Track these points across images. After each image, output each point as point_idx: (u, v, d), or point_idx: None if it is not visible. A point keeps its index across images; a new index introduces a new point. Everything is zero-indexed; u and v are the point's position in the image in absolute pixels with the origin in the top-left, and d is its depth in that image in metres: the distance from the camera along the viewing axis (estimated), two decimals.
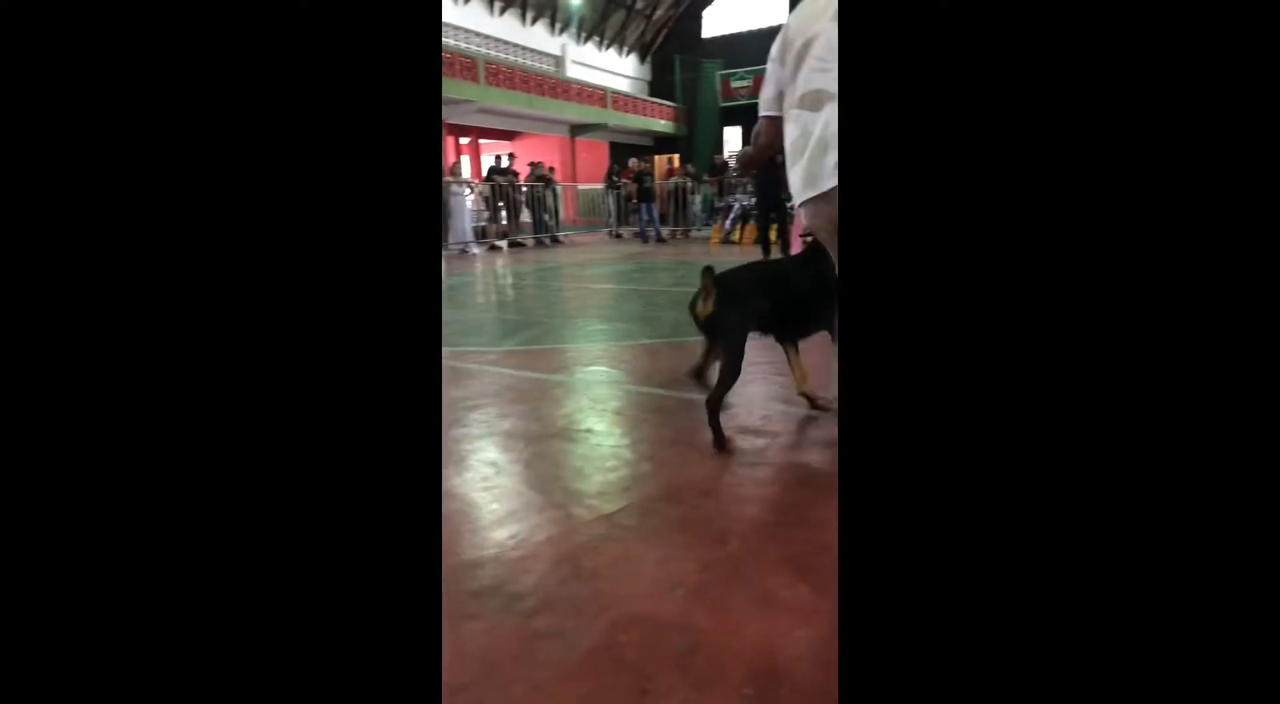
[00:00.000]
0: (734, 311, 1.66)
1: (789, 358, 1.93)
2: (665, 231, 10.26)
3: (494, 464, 1.65)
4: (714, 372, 1.75)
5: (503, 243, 9.39)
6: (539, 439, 1.80)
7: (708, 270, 1.67)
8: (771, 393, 2.17)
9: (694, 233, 10.73)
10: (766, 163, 6.15)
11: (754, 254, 6.80)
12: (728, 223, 8.95)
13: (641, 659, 0.91)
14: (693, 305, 1.72)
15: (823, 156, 1.43)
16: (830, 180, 1.42)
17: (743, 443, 1.73)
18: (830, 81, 1.42)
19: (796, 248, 6.35)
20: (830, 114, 1.42)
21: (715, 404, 1.67)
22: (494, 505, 1.42)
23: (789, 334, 1.86)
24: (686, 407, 2.04)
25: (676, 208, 10.98)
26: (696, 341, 2.92)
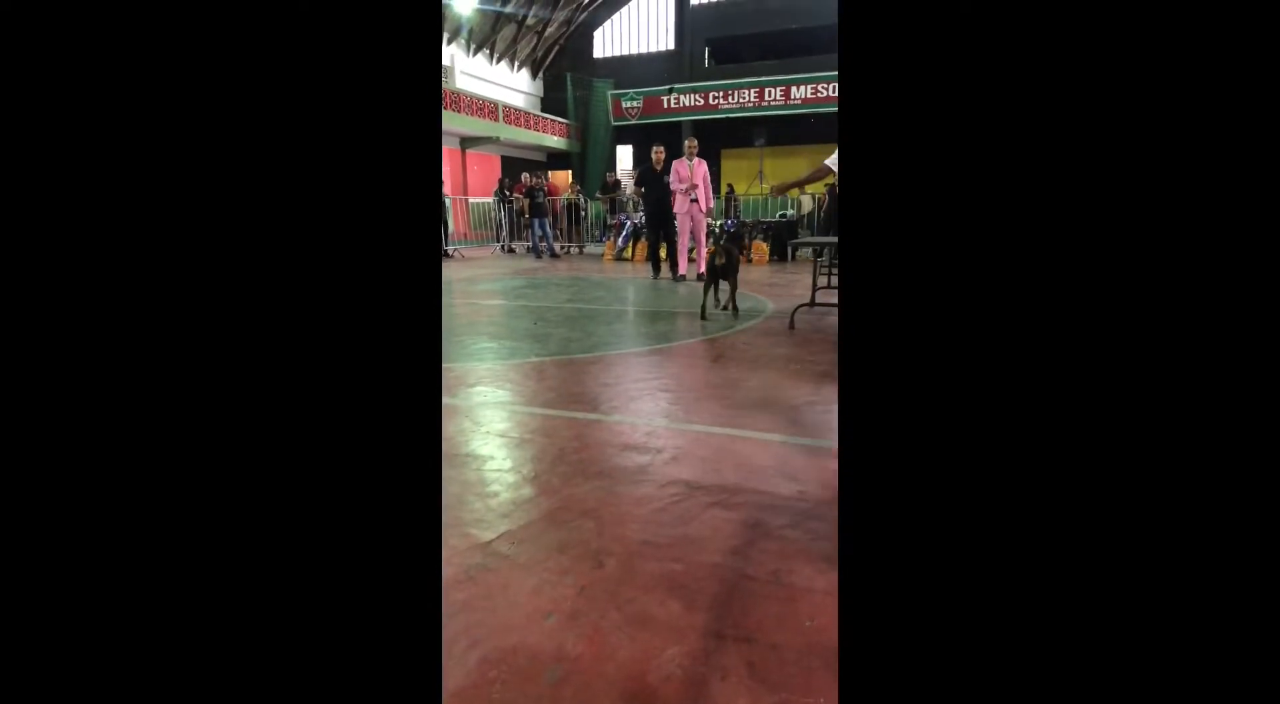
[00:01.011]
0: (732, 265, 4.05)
1: (729, 288, 4.16)
2: (559, 247, 10.24)
3: None
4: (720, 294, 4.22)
5: None
6: None
7: (721, 246, 4.03)
8: (657, 409, 2.21)
9: (588, 249, 10.79)
10: (657, 186, 6.34)
11: (645, 271, 6.93)
12: (620, 239, 9.07)
13: (510, 696, 0.88)
14: (714, 262, 3.99)
15: None
16: None
17: (625, 460, 1.74)
18: None
19: (684, 265, 6.57)
20: None
21: (732, 300, 4.13)
22: None
23: (730, 274, 4.09)
24: (571, 426, 2.03)
25: (570, 223, 10.99)
26: (585, 359, 2.93)
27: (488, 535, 1.34)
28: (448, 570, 1.20)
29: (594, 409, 2.22)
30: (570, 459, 1.76)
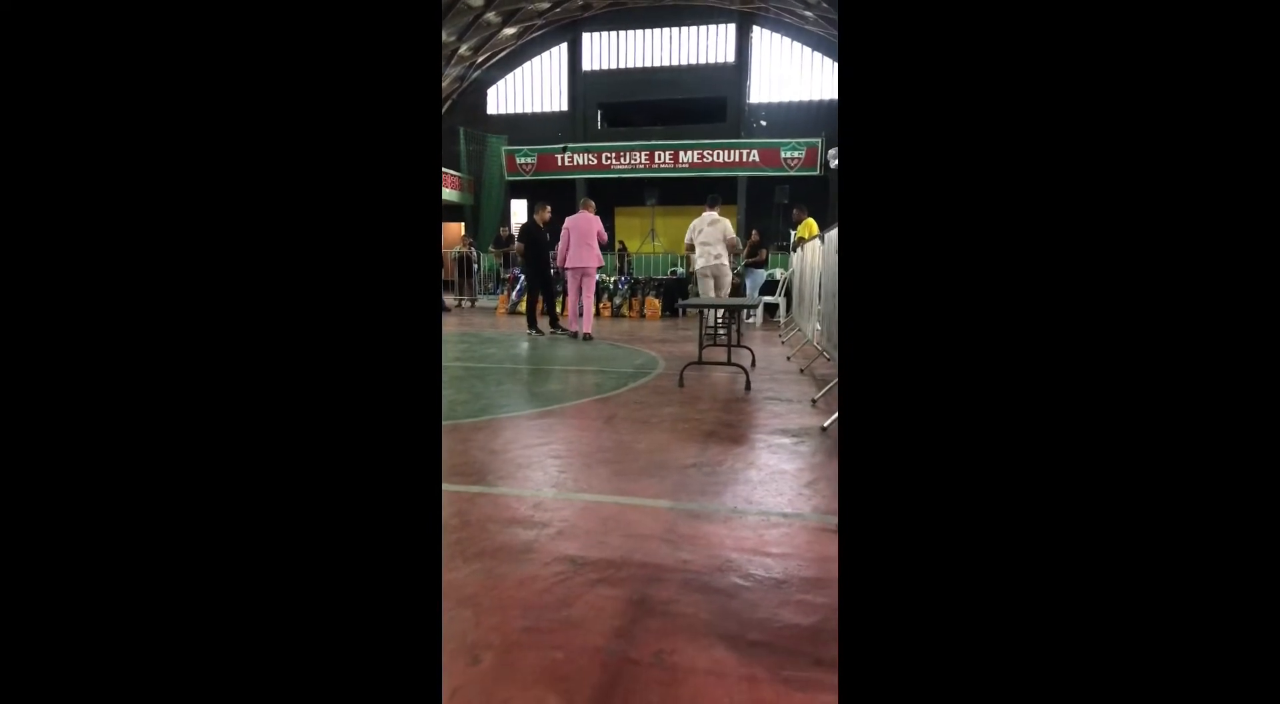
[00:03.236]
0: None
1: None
2: (451, 301, 9.99)
3: None
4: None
5: None
6: None
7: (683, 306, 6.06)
8: (546, 478, 2.17)
9: (480, 302, 10.61)
10: (538, 247, 6.39)
11: (541, 325, 6.90)
12: (514, 294, 9.02)
13: None
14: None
15: (700, 259, 5.99)
16: (698, 264, 6.06)
17: (509, 537, 1.68)
18: (703, 244, 5.96)
19: (574, 324, 6.62)
20: (697, 254, 6.02)
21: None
22: None
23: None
24: (453, 501, 1.94)
25: (462, 276, 10.80)
26: (471, 424, 2.83)
27: None
28: None
29: (479, 480, 2.13)
30: (449, 539, 1.67)
